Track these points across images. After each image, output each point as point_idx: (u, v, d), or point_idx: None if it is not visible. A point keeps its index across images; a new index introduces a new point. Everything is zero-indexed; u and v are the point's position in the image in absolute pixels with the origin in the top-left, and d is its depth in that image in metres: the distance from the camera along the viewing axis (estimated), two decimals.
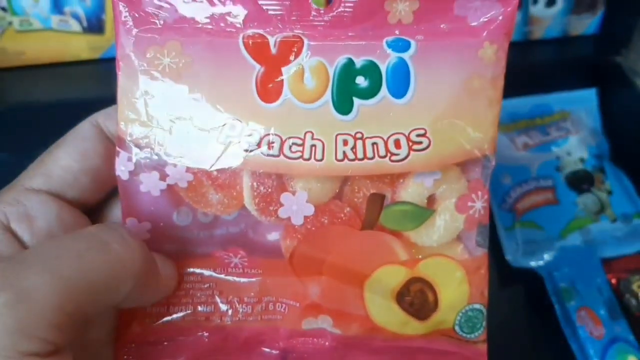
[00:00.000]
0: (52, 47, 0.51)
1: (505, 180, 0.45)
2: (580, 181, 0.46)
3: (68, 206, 0.25)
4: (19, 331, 0.20)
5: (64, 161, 0.26)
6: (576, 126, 0.49)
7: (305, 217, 0.25)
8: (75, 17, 0.50)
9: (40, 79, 0.51)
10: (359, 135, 0.24)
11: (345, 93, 0.24)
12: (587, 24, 0.53)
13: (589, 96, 0.50)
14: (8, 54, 0.50)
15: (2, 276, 0.20)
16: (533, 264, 0.42)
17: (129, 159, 0.25)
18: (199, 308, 0.26)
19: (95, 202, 0.27)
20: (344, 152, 0.24)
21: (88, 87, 0.51)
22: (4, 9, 0.48)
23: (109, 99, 0.52)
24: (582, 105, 0.50)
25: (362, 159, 0.24)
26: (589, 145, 0.48)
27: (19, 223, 0.24)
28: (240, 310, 0.26)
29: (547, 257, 0.42)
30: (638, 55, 0.51)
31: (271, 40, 0.24)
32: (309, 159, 0.24)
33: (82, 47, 0.51)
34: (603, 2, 0.52)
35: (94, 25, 0.50)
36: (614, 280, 0.42)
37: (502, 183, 0.45)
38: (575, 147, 0.47)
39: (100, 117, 0.27)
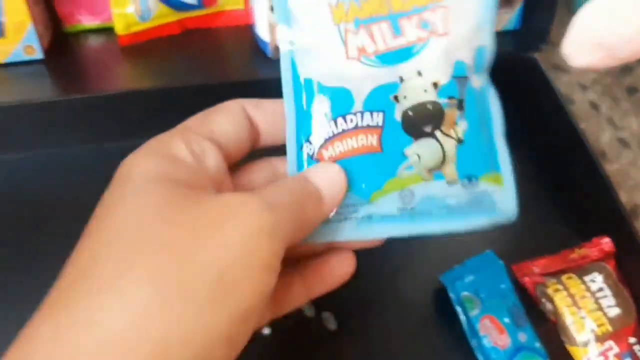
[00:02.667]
0: None
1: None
2: (422, 120, 0.29)
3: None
4: (275, 235, 0.24)
5: (223, 125, 0.29)
6: (451, 21, 0.29)
7: None
8: None
9: None
10: None
11: None
12: (506, 19, 0.52)
13: None
14: None
15: (259, 197, 0.25)
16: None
17: None
18: None
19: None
20: None
21: None
22: None
23: (13, 106, 0.50)
24: None
25: None
26: (459, 60, 0.30)
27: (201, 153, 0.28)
28: None
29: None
30: (558, 50, 0.50)
31: None
32: None
33: None
34: None
35: None
36: (530, 285, 0.41)
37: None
38: (434, 63, 0.29)
39: (245, 102, 0.30)
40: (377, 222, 0.29)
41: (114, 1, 0.50)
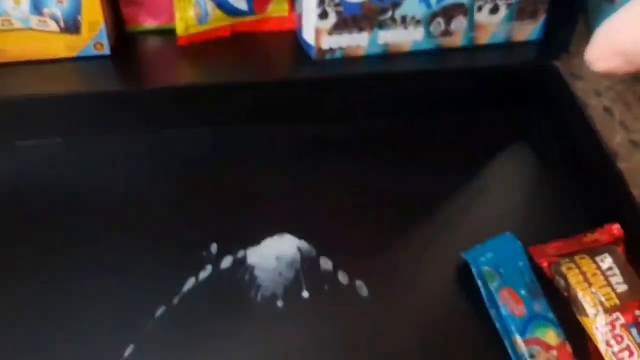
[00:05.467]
0: (32, 46, 0.55)
1: None
2: None
3: None
4: None
5: None
6: None
7: None
8: (54, 18, 0.54)
9: (21, 74, 0.55)
10: None
11: None
12: (530, 30, 0.57)
13: None
14: None
15: None
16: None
17: None
18: None
19: None
20: None
21: (64, 83, 0.55)
22: None
23: (83, 95, 0.56)
24: None
25: None
26: None
27: None
28: None
29: None
30: (576, 59, 0.55)
31: None
32: None
33: (59, 46, 0.55)
34: (544, 9, 0.56)
35: (71, 26, 0.54)
36: (545, 264, 0.46)
37: None
38: None
39: None
40: None
41: (178, 5, 0.56)
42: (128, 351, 0.42)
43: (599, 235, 0.46)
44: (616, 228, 0.46)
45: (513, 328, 0.42)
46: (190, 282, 0.45)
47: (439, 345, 0.43)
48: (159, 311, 0.43)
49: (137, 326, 0.43)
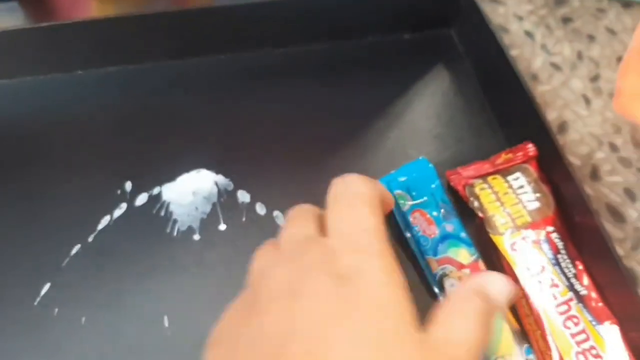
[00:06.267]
0: None
1: None
2: None
3: None
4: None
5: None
6: None
7: None
8: None
9: None
10: None
11: None
12: None
13: None
14: None
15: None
16: None
17: None
18: None
19: None
20: None
21: None
22: None
23: None
24: None
25: None
26: None
27: None
28: None
29: None
30: None
31: None
32: None
33: None
34: None
35: None
36: (460, 187, 0.46)
37: None
38: None
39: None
40: None
41: None
42: (44, 289, 0.42)
43: (512, 155, 0.47)
44: (529, 147, 0.46)
45: (425, 248, 0.42)
46: (105, 220, 0.44)
47: None
48: (74, 249, 0.43)
49: (53, 264, 0.42)
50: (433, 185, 0.45)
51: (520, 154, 0.47)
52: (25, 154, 0.48)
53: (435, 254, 0.42)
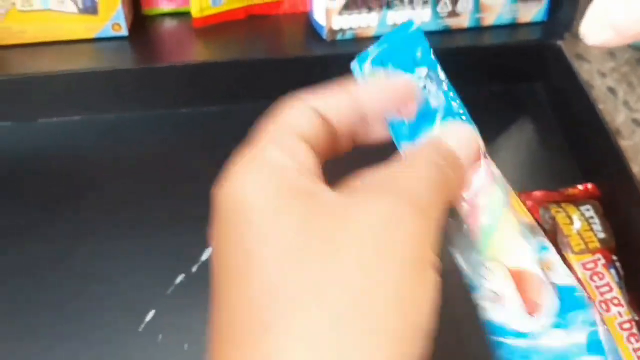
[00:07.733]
0: (51, 27, 0.57)
1: None
2: None
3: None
4: (428, 243, 0.21)
5: (305, 126, 0.26)
6: None
7: None
8: None
9: (41, 55, 0.57)
10: None
11: None
12: (535, 11, 0.58)
13: None
14: (11, 31, 0.56)
15: (408, 204, 0.21)
16: None
17: None
18: None
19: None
20: None
21: (83, 62, 0.57)
22: None
23: (100, 74, 0.58)
24: None
25: None
26: None
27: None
28: None
29: None
30: (582, 41, 0.56)
31: None
32: None
33: (78, 27, 0.57)
34: None
35: (89, 7, 0.56)
36: (530, 203, 0.47)
37: None
38: None
39: (309, 99, 0.28)
40: None
41: None
42: (149, 316, 0.44)
43: (576, 191, 0.49)
44: (590, 187, 0.48)
45: (401, 134, 0.31)
46: (208, 252, 0.47)
47: None
48: (179, 278, 0.45)
49: (158, 292, 0.45)
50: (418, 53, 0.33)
51: (583, 191, 0.48)
52: (137, 185, 0.51)
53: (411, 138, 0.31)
